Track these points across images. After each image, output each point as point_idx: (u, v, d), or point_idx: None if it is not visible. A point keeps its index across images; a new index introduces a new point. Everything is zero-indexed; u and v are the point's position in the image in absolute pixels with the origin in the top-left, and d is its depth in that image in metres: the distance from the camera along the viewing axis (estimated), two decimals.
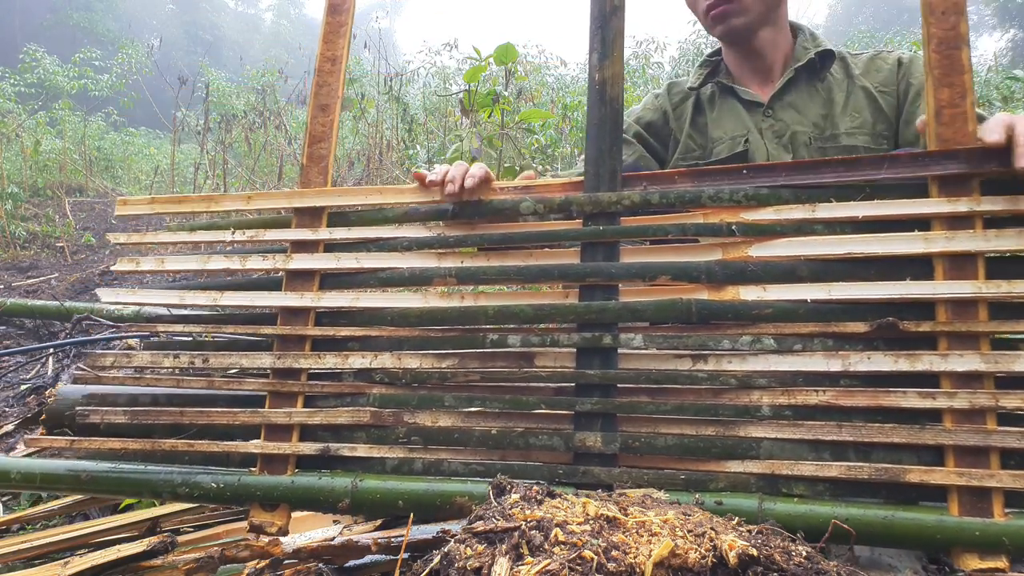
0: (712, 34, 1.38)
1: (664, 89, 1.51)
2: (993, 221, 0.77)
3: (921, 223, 0.80)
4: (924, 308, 0.78)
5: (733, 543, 0.64)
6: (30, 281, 3.77)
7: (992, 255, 0.77)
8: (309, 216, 1.00)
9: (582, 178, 0.93)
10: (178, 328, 1.03)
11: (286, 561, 0.84)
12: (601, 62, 0.93)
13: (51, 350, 2.51)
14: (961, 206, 0.77)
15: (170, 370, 1.00)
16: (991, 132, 0.78)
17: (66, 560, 0.91)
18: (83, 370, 0.98)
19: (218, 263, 1.02)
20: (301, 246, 0.99)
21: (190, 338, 1.10)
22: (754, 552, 0.63)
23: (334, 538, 0.86)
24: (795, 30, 1.41)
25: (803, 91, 1.34)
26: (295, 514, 0.94)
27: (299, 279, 0.98)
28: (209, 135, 5.89)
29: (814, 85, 1.34)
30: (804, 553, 0.65)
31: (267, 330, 0.97)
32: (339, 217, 1.00)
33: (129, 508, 1.12)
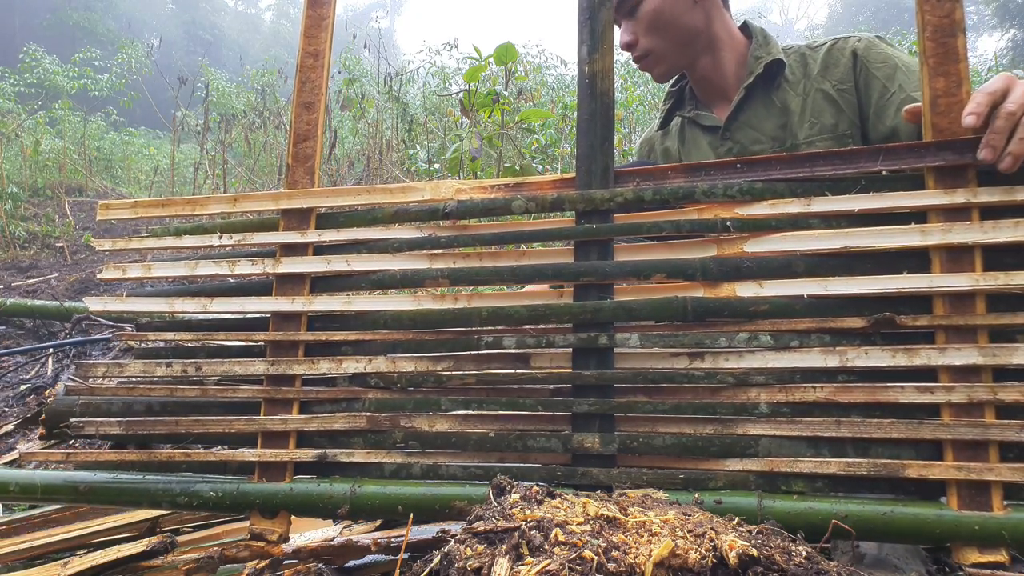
0: None
1: (644, 141, 1.54)
2: (990, 212, 0.76)
3: (917, 215, 0.79)
4: (921, 302, 0.77)
5: (733, 543, 0.64)
6: (30, 281, 3.77)
7: (989, 246, 0.76)
8: (297, 218, 0.99)
9: (574, 175, 0.92)
10: (169, 336, 1.02)
11: (286, 561, 0.84)
12: (591, 55, 0.91)
13: (51, 350, 2.51)
14: (958, 197, 0.76)
15: (163, 378, 0.99)
16: (969, 112, 0.76)
17: (66, 560, 0.92)
18: (75, 381, 0.98)
19: (206, 268, 1.01)
20: (290, 249, 0.98)
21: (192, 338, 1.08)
22: (754, 552, 0.62)
23: (334, 538, 0.86)
24: (749, 34, 1.37)
25: (758, 106, 1.32)
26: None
27: (289, 283, 0.97)
28: (209, 135, 5.89)
29: (770, 96, 1.31)
30: (804, 553, 0.65)
31: (259, 336, 0.96)
32: (328, 218, 0.99)
33: None
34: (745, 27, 1.39)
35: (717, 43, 1.34)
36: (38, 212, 5.29)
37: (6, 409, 2.07)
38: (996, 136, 0.75)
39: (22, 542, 0.97)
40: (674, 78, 1.46)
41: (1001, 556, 0.69)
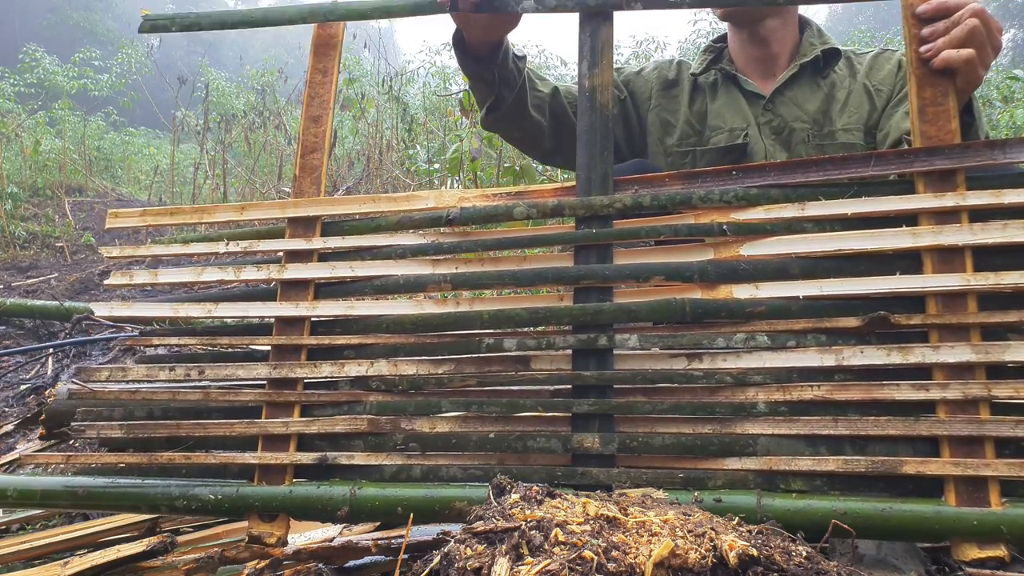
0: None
1: (669, 64, 1.49)
2: (978, 214, 0.79)
3: (909, 218, 0.81)
4: (915, 302, 0.79)
5: (733, 543, 0.64)
6: (30, 281, 3.76)
7: (979, 247, 0.77)
8: (303, 226, 1.00)
9: (574, 183, 0.94)
10: (173, 341, 1.03)
11: (286, 562, 0.84)
12: (591, 70, 0.95)
13: (51, 350, 2.50)
14: (947, 201, 0.79)
15: (166, 382, 1.00)
16: None
17: (66, 560, 0.91)
18: (78, 384, 0.98)
19: (212, 275, 1.02)
20: (295, 256, 1.00)
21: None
22: (754, 552, 0.63)
23: (334, 539, 0.86)
24: (803, 25, 1.41)
25: (805, 86, 1.35)
26: None
27: (294, 289, 0.98)
28: (209, 135, 5.87)
29: (816, 81, 1.35)
30: (804, 553, 0.65)
31: (263, 340, 0.97)
32: (333, 226, 1.01)
33: None
34: (800, 20, 1.42)
35: (789, 16, 1.37)
36: (38, 212, 5.25)
37: (6, 409, 2.07)
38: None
39: (22, 542, 0.97)
40: (717, 36, 1.49)
41: (1000, 551, 0.69)
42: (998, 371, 0.75)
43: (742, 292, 0.84)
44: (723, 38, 1.47)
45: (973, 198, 0.78)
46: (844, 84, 1.34)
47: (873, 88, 1.33)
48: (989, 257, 0.77)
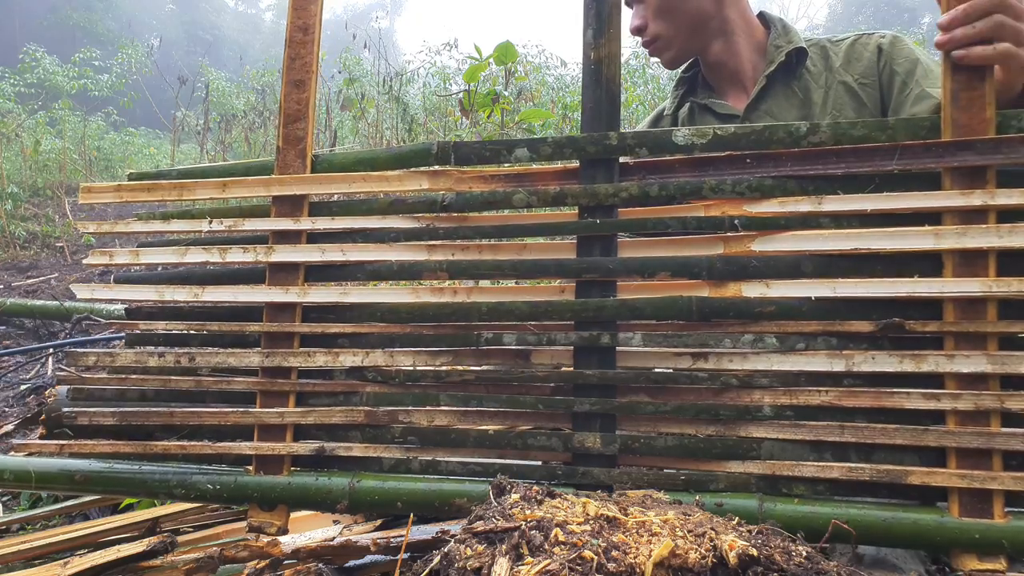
0: None
1: (648, 122, 1.49)
2: (1006, 215, 0.74)
3: (931, 216, 0.76)
4: (931, 306, 0.76)
5: (733, 543, 0.64)
6: (30, 281, 3.78)
7: (1005, 251, 0.73)
8: (289, 204, 0.95)
9: (577, 165, 0.88)
10: (160, 325, 0.99)
11: (286, 561, 0.84)
12: (596, 39, 0.87)
13: (51, 350, 2.51)
14: (975, 199, 0.74)
15: (156, 368, 0.97)
16: None
17: (66, 560, 0.91)
18: (65, 371, 0.96)
19: (196, 255, 0.98)
20: (282, 236, 0.95)
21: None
22: (754, 552, 0.63)
23: (334, 538, 0.86)
24: (767, 24, 1.33)
25: (779, 96, 1.28)
26: (294, 514, 0.93)
27: (283, 272, 0.94)
28: (209, 135, 5.83)
29: (790, 87, 1.28)
30: (804, 553, 0.65)
31: (253, 327, 0.94)
32: (321, 205, 0.95)
33: (129, 508, 1.12)
34: (763, 17, 1.35)
35: (730, 28, 1.30)
36: (38, 212, 5.31)
37: (6, 409, 2.08)
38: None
39: (22, 542, 0.97)
40: (686, 64, 1.42)
41: (999, 564, 0.69)
42: (1011, 381, 0.73)
43: (751, 290, 0.80)
44: (695, 64, 1.41)
45: (1003, 197, 0.73)
46: (820, 82, 1.26)
47: (857, 84, 1.24)
48: (1014, 261, 0.74)
